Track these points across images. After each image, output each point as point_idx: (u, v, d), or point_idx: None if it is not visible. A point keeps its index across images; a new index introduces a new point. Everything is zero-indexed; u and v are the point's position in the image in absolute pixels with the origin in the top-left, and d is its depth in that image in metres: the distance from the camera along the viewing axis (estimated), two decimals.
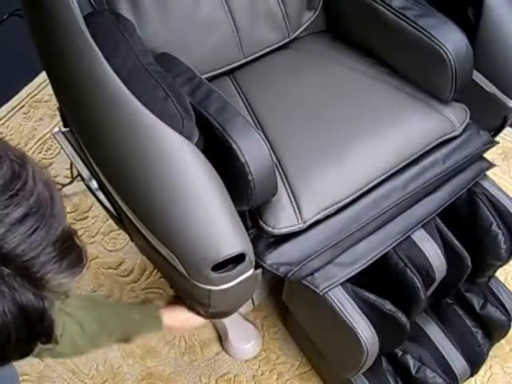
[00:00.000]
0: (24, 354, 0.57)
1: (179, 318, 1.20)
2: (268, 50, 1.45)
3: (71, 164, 1.15)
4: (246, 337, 1.57)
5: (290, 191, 1.18)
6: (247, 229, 1.16)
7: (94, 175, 1.13)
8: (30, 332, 0.54)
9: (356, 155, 1.22)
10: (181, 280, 1.07)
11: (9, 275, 0.50)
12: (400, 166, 1.25)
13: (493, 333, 1.47)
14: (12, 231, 0.49)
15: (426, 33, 1.23)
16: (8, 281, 0.50)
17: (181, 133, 0.99)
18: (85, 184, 1.16)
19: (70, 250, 0.54)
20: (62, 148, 1.16)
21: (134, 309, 1.17)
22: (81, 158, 1.14)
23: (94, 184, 1.14)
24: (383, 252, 1.20)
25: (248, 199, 1.08)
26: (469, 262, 1.28)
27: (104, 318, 1.07)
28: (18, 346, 0.54)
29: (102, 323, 1.06)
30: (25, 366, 1.55)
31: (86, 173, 1.14)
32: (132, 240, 1.28)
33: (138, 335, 1.16)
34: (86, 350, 1.07)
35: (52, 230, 0.52)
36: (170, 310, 1.20)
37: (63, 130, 1.16)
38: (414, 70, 1.33)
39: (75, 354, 1.09)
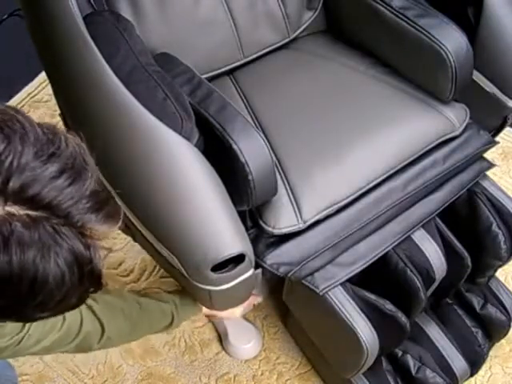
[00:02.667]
0: (77, 302, 0.64)
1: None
2: (268, 50, 1.45)
3: None
4: (245, 337, 1.57)
5: (290, 191, 1.18)
6: (247, 229, 1.16)
7: None
8: (81, 278, 0.61)
9: (356, 155, 1.22)
10: (182, 280, 1.07)
11: (57, 224, 0.57)
12: (400, 166, 1.25)
13: (493, 333, 1.47)
14: (51, 183, 0.57)
15: (425, 33, 1.23)
16: (58, 229, 0.57)
17: (180, 133, 0.99)
18: None
19: (104, 204, 0.62)
20: None
21: (175, 294, 1.23)
22: None
23: None
24: (383, 252, 1.20)
25: (248, 199, 1.08)
26: (469, 261, 1.28)
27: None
28: (71, 293, 0.61)
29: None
30: (24, 365, 1.55)
31: None
32: (135, 240, 1.28)
33: (181, 318, 1.22)
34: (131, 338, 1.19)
35: (86, 184, 0.60)
36: None
37: None
38: (414, 70, 1.33)
39: (123, 340, 1.18)
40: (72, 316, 0.98)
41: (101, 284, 0.65)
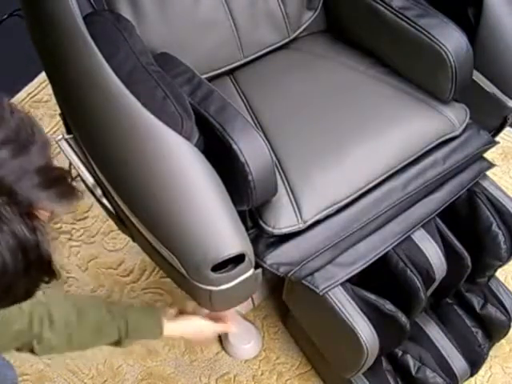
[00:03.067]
0: (27, 292, 0.59)
1: (189, 327, 1.18)
2: (268, 49, 1.45)
3: (70, 164, 1.15)
4: (246, 337, 1.57)
5: (290, 191, 1.18)
6: (247, 229, 1.16)
7: (97, 180, 1.12)
8: (28, 264, 0.56)
9: (356, 155, 1.22)
10: (181, 280, 1.07)
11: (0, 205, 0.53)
12: (400, 166, 1.25)
13: (493, 333, 1.47)
14: None
15: (425, 33, 1.23)
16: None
17: (180, 133, 0.99)
18: (89, 191, 1.16)
19: (58, 182, 0.58)
20: (65, 156, 1.15)
21: (131, 309, 1.13)
22: (84, 165, 1.14)
23: (99, 191, 1.14)
24: (383, 252, 1.20)
25: (248, 199, 1.08)
26: (469, 261, 1.28)
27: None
28: (18, 281, 0.56)
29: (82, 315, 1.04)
30: (25, 365, 1.55)
31: (90, 181, 1.13)
32: (134, 241, 1.28)
33: (133, 338, 1.10)
34: (77, 345, 1.05)
35: (31, 158, 0.56)
36: (182, 318, 1.18)
37: (66, 136, 1.15)
38: (414, 70, 1.33)
39: (65, 347, 1.05)
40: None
41: (53, 271, 0.59)
